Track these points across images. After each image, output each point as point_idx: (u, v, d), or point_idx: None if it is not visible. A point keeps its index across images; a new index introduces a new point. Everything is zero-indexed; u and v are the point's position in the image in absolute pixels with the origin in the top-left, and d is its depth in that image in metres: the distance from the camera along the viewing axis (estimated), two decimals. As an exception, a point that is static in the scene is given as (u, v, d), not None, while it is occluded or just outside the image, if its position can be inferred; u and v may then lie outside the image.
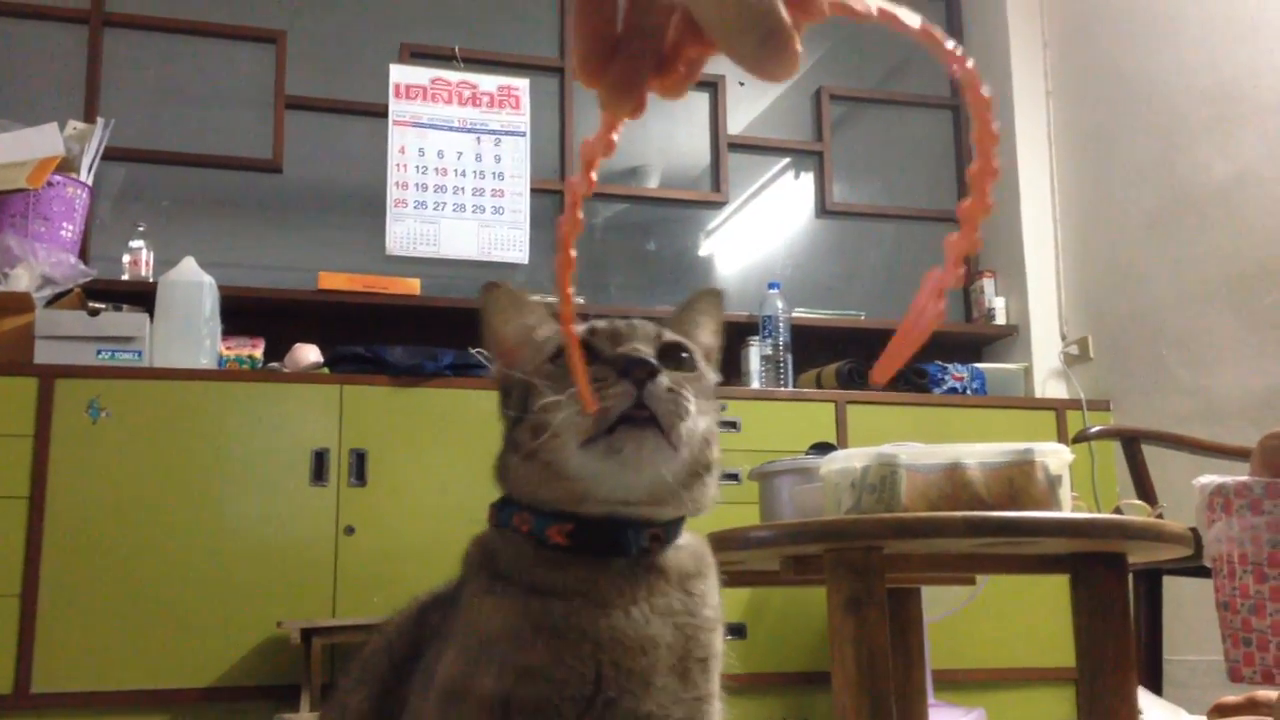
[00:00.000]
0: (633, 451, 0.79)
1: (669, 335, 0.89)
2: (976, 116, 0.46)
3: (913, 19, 0.47)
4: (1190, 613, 3.16)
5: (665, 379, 0.80)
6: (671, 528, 0.89)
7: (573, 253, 0.53)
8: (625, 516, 0.85)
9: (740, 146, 4.46)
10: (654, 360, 0.81)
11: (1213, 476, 1.89)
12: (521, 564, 0.86)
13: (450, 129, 4.11)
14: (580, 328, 0.86)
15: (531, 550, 0.87)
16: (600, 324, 0.89)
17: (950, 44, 0.47)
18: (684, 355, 0.89)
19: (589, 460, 0.81)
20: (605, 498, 0.84)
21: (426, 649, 0.90)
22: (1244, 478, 1.86)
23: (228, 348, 3.51)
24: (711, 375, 0.92)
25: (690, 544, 0.91)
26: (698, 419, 0.83)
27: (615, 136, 0.52)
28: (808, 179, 4.56)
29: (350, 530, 3.25)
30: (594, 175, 0.52)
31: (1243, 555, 1.81)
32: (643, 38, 0.47)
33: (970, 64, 0.46)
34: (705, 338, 0.97)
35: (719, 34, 0.44)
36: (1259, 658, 1.80)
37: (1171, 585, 2.79)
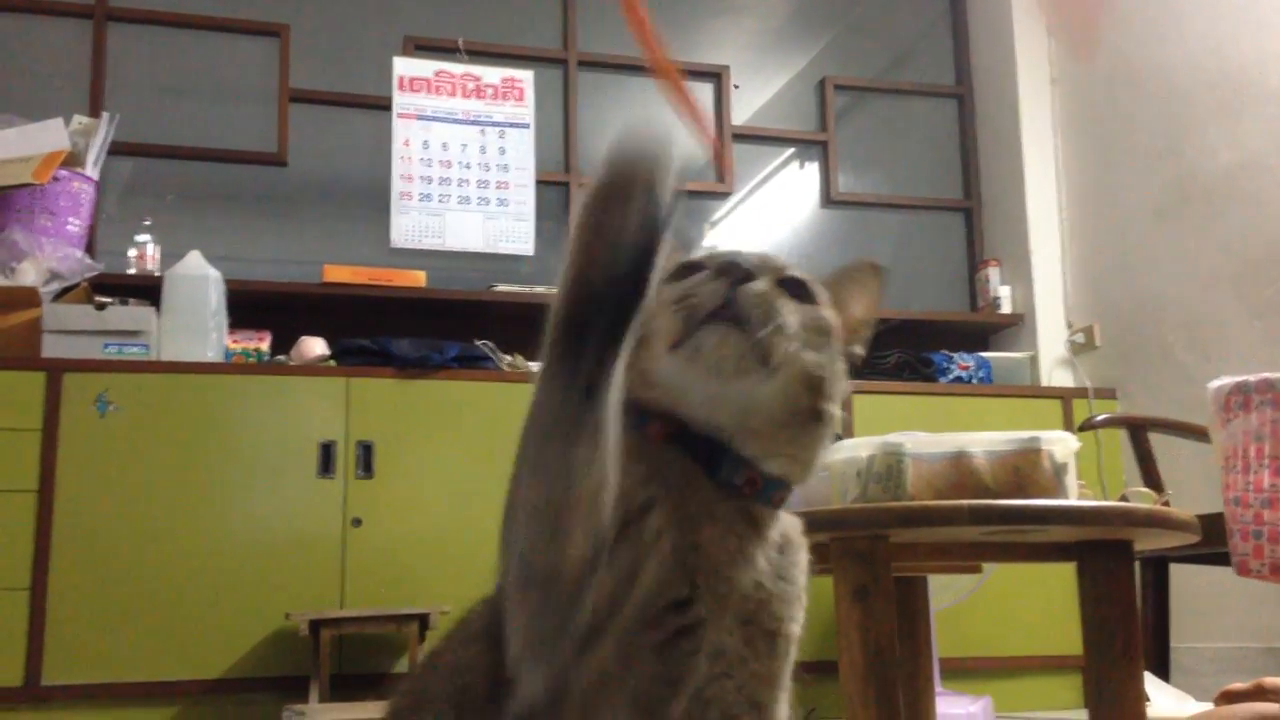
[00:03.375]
0: (713, 350, 0.76)
1: (794, 271, 0.83)
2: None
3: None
4: (1197, 600, 3.16)
5: (763, 284, 0.76)
6: (771, 483, 0.82)
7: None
8: (722, 443, 0.80)
9: (745, 137, 4.46)
10: (754, 268, 0.77)
11: (1229, 378, 1.88)
12: (641, 456, 0.79)
13: (454, 121, 4.11)
14: (701, 252, 0.83)
15: (635, 438, 0.79)
16: (725, 251, 0.84)
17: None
18: (809, 290, 0.83)
19: (674, 365, 0.77)
20: (693, 412, 0.79)
21: None
22: (1266, 374, 1.85)
23: (234, 341, 3.51)
24: (837, 320, 0.85)
25: (789, 521, 0.87)
26: (804, 349, 0.78)
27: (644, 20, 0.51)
28: (812, 169, 4.56)
29: (357, 522, 3.26)
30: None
31: (1260, 449, 1.80)
32: None
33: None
34: (855, 310, 0.91)
35: None
36: (1269, 550, 1.79)
37: (1178, 573, 2.79)
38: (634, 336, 0.72)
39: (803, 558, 0.87)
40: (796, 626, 0.85)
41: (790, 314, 0.78)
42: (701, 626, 0.76)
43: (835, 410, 0.83)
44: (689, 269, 0.82)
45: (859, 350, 0.89)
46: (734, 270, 0.77)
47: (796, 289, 0.82)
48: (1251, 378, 1.85)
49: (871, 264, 0.92)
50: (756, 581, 0.80)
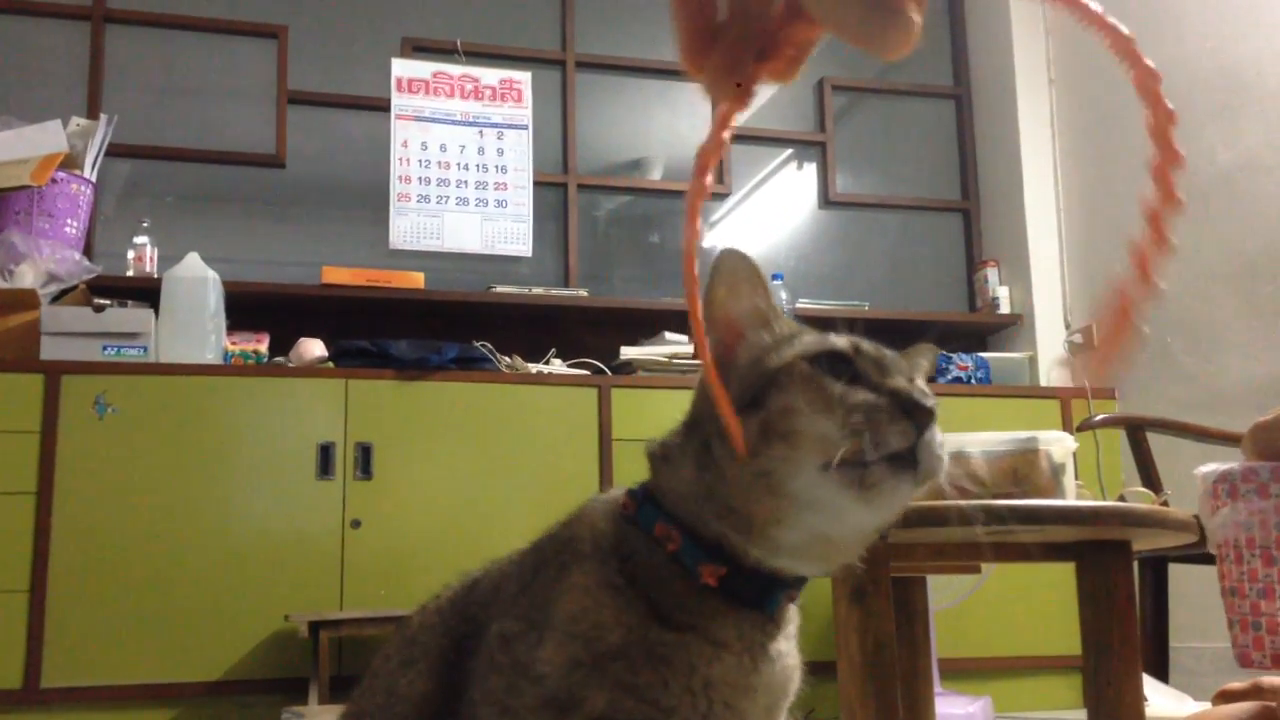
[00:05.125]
0: (888, 494, 0.72)
1: (920, 379, 0.80)
2: (1149, 103, 0.44)
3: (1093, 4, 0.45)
4: (1196, 600, 3.16)
5: (938, 431, 0.73)
6: (802, 581, 0.82)
7: (696, 269, 0.50)
8: (784, 572, 0.79)
9: (743, 138, 4.46)
10: (931, 404, 0.74)
11: (1215, 464, 1.89)
12: (656, 579, 0.78)
13: (453, 122, 4.12)
14: (841, 340, 0.80)
15: (675, 575, 0.78)
16: (865, 345, 0.80)
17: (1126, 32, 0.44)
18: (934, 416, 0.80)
19: (827, 484, 0.72)
20: (808, 530, 0.76)
21: (492, 617, 0.84)
22: (1250, 463, 1.86)
23: (233, 343, 3.51)
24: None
25: None
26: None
27: (726, 135, 0.48)
28: (810, 170, 4.56)
29: (356, 523, 3.26)
30: (709, 179, 0.50)
31: (1250, 539, 1.81)
32: (745, 21, 0.45)
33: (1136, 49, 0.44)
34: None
35: (820, 11, 0.42)
36: (1269, 641, 1.80)
37: (1177, 572, 2.79)
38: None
39: (794, 611, 0.88)
40: (795, 684, 0.86)
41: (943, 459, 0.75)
42: None
43: None
44: (840, 361, 0.78)
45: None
46: (918, 411, 0.73)
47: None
48: (1236, 466, 1.85)
49: (932, 347, 0.90)
50: (781, 668, 0.81)
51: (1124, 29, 0.41)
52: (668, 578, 0.78)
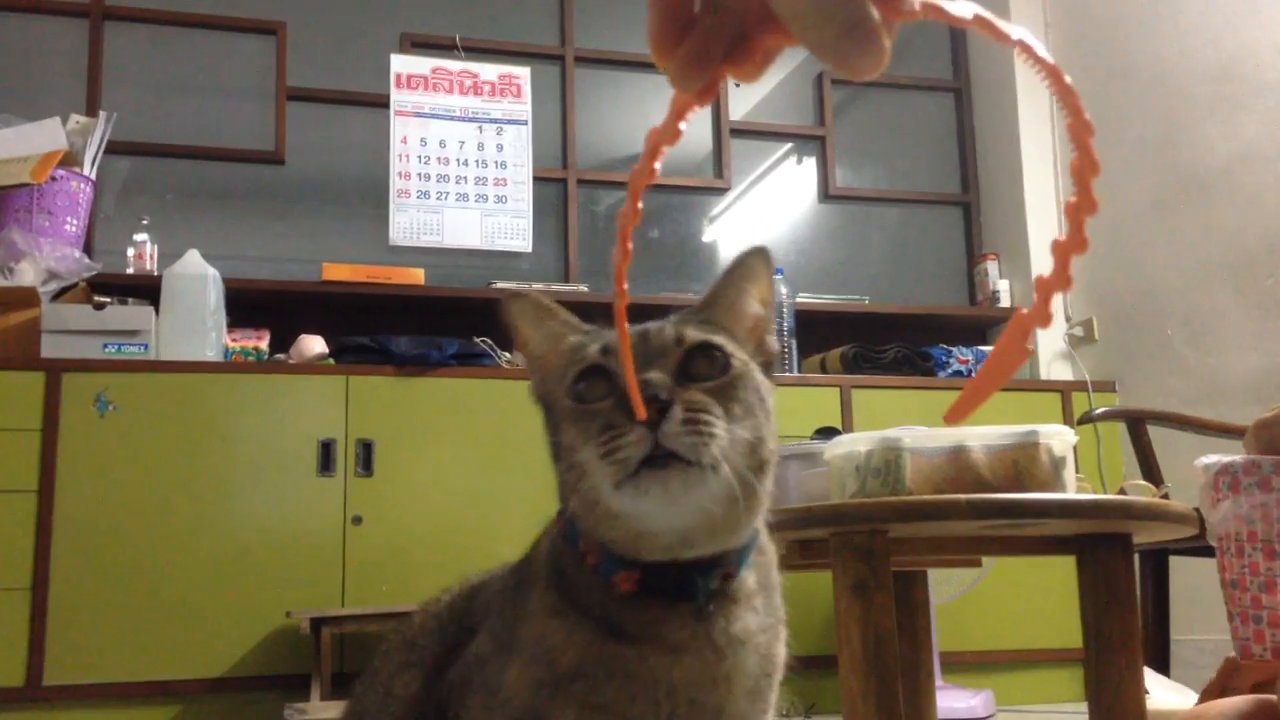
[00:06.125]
0: (660, 493, 0.75)
1: (691, 336, 0.81)
2: (1067, 108, 0.43)
3: (1011, 29, 0.44)
4: (1197, 592, 3.16)
5: (679, 411, 0.75)
6: (743, 554, 0.84)
7: (630, 245, 0.51)
8: (691, 560, 0.80)
9: (742, 132, 4.46)
10: (664, 394, 0.75)
11: (1216, 456, 1.89)
12: (592, 597, 0.82)
13: (452, 118, 4.11)
14: (594, 347, 0.82)
15: (601, 586, 0.82)
16: (615, 342, 0.81)
17: (1047, 57, 0.45)
18: (714, 355, 0.81)
19: (625, 500, 0.76)
20: (658, 535, 0.79)
21: (480, 631, 0.87)
22: (1252, 456, 1.86)
23: (233, 340, 3.51)
24: (754, 359, 0.84)
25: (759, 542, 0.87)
26: (735, 427, 0.78)
27: (683, 125, 0.50)
28: (810, 164, 4.56)
29: (358, 520, 3.26)
30: (658, 165, 0.50)
31: (1251, 532, 1.81)
32: (721, 14, 0.45)
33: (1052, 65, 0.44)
34: (753, 307, 0.88)
35: (796, 26, 0.42)
36: (1270, 634, 1.80)
37: (1178, 565, 2.79)
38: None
39: (776, 578, 0.89)
40: (782, 645, 0.88)
41: (713, 418, 0.76)
42: None
43: (772, 449, 0.82)
44: (596, 374, 0.80)
45: (771, 345, 0.88)
46: (650, 410, 0.74)
47: (704, 357, 0.81)
48: (1238, 459, 1.85)
49: (757, 251, 0.88)
50: (753, 648, 0.83)
51: (1068, 79, 0.42)
52: (601, 591, 0.82)
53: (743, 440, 0.78)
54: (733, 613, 0.82)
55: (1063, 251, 0.44)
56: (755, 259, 0.88)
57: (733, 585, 0.83)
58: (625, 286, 0.52)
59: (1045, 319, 0.45)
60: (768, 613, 0.86)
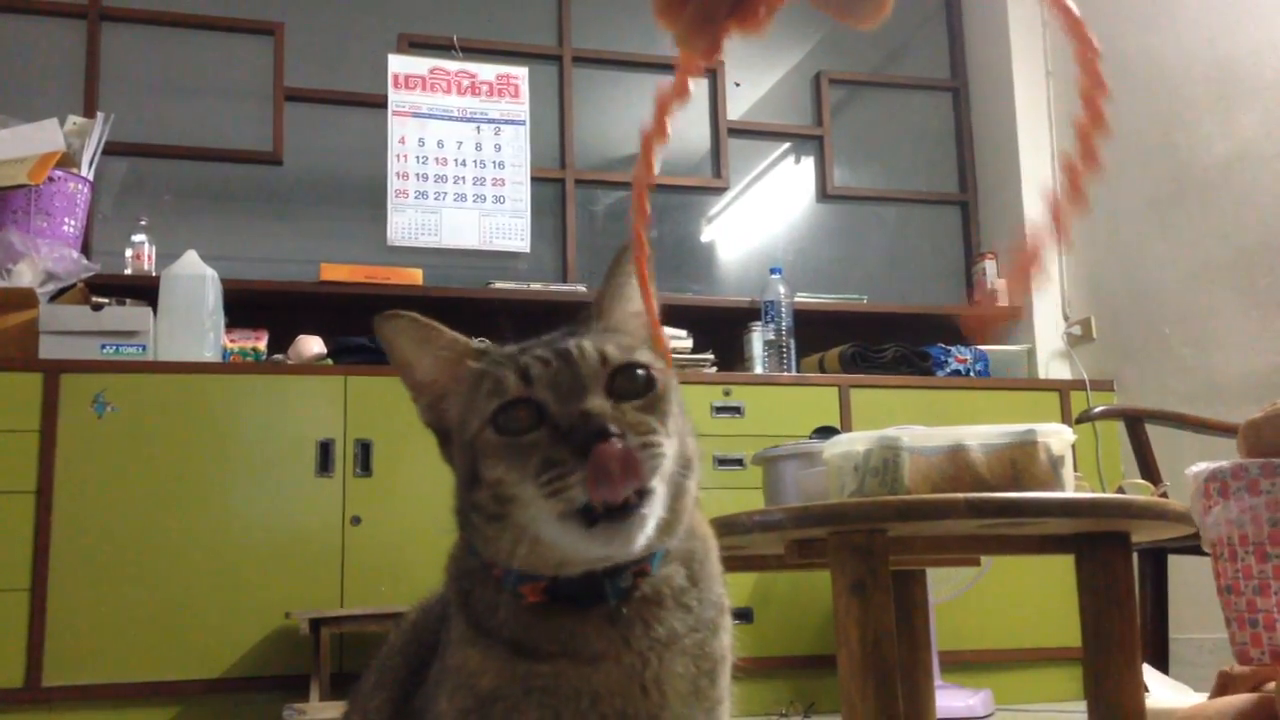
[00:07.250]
0: (618, 537, 0.72)
1: (615, 356, 0.78)
2: (1073, 34, 0.45)
3: None
4: (1196, 591, 3.16)
5: (617, 443, 0.71)
6: (654, 556, 0.80)
7: (647, 246, 0.51)
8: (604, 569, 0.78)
9: (740, 132, 4.46)
10: (612, 426, 0.72)
11: (1205, 464, 1.89)
12: (500, 616, 0.79)
13: (450, 118, 4.11)
14: (511, 377, 0.77)
15: (508, 600, 0.79)
16: (536, 368, 0.77)
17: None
18: (637, 373, 0.77)
19: (566, 533, 0.73)
20: (591, 562, 0.76)
21: (434, 660, 0.86)
22: (1239, 460, 1.86)
23: (231, 340, 3.51)
24: (660, 360, 0.80)
25: (680, 547, 0.82)
26: (672, 441, 0.75)
27: (690, 84, 0.50)
28: (808, 163, 4.56)
29: (356, 520, 3.26)
30: (669, 128, 0.51)
31: (1243, 536, 1.81)
32: None
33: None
34: (635, 304, 0.86)
35: None
36: (1266, 638, 1.81)
37: (1176, 564, 2.79)
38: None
39: (711, 570, 0.85)
40: (728, 638, 0.84)
41: (658, 443, 0.73)
42: None
43: (693, 446, 0.80)
44: (520, 406, 0.76)
45: (659, 338, 0.84)
46: (585, 441, 0.71)
47: (630, 375, 0.77)
48: (1226, 464, 1.86)
49: (624, 248, 0.85)
50: (682, 650, 0.80)
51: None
52: (510, 606, 0.79)
53: (672, 456, 0.76)
54: (655, 615, 0.79)
55: (1084, 135, 0.47)
56: (626, 255, 0.86)
57: (651, 584, 0.80)
58: (652, 289, 0.53)
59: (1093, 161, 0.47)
60: (704, 608, 0.82)
